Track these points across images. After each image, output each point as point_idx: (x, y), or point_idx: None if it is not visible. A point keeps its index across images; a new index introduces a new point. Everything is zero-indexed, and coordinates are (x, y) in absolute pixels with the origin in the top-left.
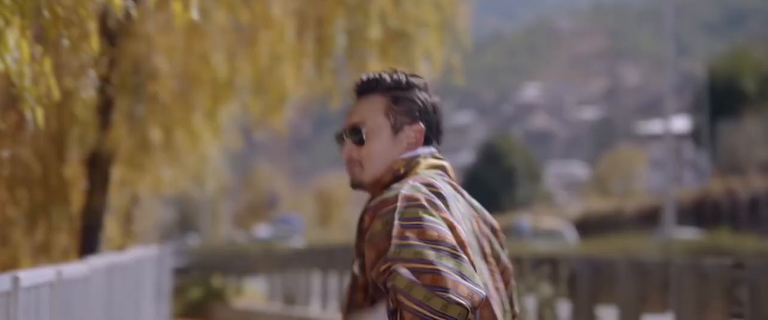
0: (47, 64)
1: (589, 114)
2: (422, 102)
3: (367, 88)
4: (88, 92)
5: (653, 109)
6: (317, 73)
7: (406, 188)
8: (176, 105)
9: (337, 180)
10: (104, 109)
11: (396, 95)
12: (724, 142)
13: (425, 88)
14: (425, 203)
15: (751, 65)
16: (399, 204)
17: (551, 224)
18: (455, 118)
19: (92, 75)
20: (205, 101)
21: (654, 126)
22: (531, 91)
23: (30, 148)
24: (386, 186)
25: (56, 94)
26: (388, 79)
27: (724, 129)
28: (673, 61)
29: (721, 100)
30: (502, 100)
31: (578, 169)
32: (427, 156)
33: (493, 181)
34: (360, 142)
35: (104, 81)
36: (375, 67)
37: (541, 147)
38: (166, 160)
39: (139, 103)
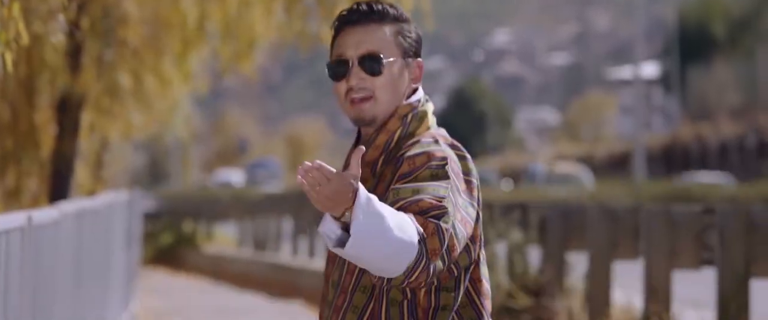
0: (16, 9)
1: (560, 59)
2: (418, 36)
3: (369, 18)
4: (57, 37)
5: (623, 54)
6: (287, 18)
7: (443, 148)
8: (146, 50)
9: (308, 126)
10: (74, 53)
11: (401, 27)
12: (694, 88)
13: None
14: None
15: (721, 11)
16: (445, 165)
17: (567, 168)
18: (425, 63)
19: (61, 19)
20: (175, 46)
21: (624, 71)
22: (501, 37)
23: None
24: (392, 131)
25: (25, 38)
26: (391, 10)
27: (694, 74)
28: (643, 6)
29: (691, 46)
30: (473, 45)
31: (548, 115)
32: (426, 101)
33: (463, 127)
34: (376, 72)
35: (73, 25)
36: None
37: (512, 92)
38: (135, 105)
39: (109, 48)
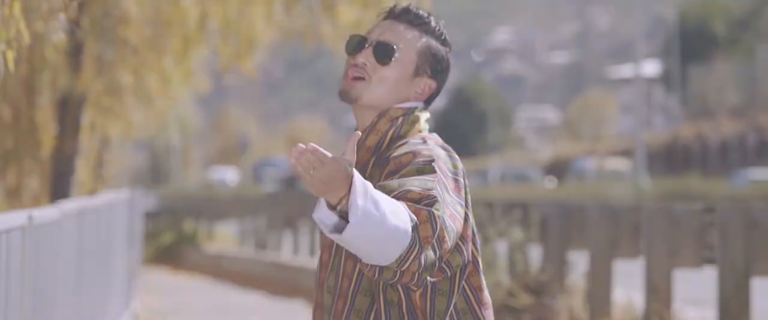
0: (17, 8)
1: (560, 58)
2: (447, 64)
3: (411, 19)
4: (58, 36)
5: (624, 53)
6: (288, 16)
7: (431, 147)
8: (147, 49)
9: (308, 124)
10: (75, 52)
11: (434, 45)
12: (695, 87)
13: (450, 51)
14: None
15: (721, 9)
16: (431, 162)
17: (617, 164)
18: None
19: (62, 18)
20: (176, 45)
21: (624, 70)
22: (501, 36)
23: (0, 93)
24: (383, 132)
25: (26, 37)
26: (435, 25)
27: (695, 73)
28: (643, 5)
29: (691, 44)
30: (473, 44)
31: (549, 113)
32: (422, 110)
33: (464, 126)
34: (384, 61)
35: (74, 24)
36: (345, 10)
37: (512, 91)
38: (136, 104)
39: (110, 47)
